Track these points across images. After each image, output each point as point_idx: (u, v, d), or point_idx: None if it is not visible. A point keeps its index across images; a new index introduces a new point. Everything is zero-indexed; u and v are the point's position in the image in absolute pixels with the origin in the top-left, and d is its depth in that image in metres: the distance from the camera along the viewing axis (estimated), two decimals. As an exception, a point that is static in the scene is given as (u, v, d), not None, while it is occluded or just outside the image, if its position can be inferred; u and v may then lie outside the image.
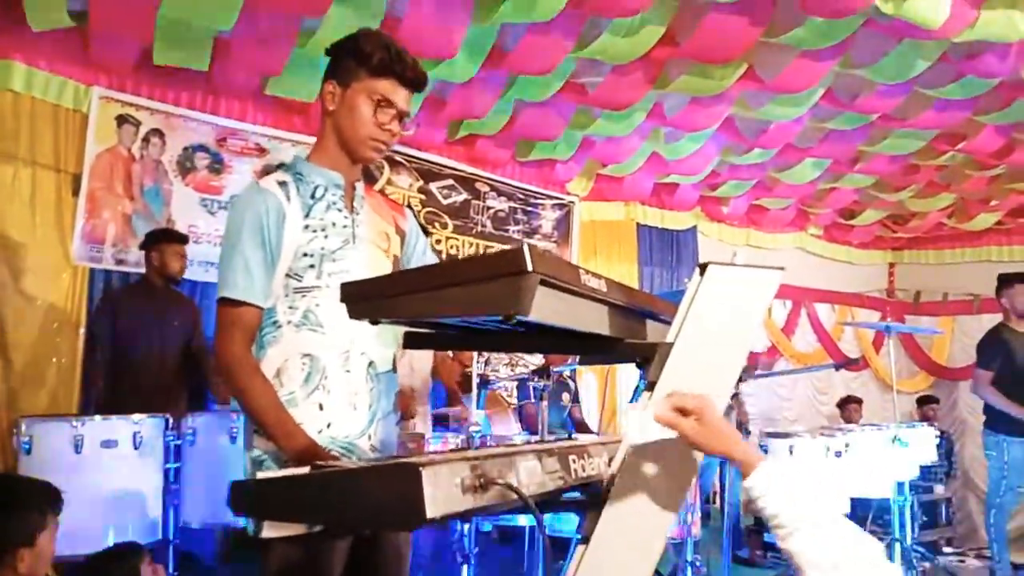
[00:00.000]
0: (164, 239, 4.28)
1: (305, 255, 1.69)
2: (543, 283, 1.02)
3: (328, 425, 1.68)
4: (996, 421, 4.89)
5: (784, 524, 1.19)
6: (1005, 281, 5.03)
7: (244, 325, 1.66)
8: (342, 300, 1.12)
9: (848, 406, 7.51)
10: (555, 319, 1.09)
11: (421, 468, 0.95)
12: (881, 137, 5.96)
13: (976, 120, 5.56)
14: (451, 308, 1.03)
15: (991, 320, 5.35)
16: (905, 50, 4.47)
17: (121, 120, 4.66)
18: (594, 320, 1.22)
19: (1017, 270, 5.38)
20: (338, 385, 1.69)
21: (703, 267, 1.32)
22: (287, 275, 1.69)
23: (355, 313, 1.11)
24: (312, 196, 1.74)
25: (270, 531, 1.58)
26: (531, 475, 1.18)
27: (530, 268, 0.97)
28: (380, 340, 1.76)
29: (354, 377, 1.72)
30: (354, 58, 1.72)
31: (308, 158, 1.81)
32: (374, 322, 1.13)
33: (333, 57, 1.78)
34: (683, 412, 1.24)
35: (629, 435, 1.25)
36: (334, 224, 1.74)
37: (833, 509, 1.22)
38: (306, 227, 1.70)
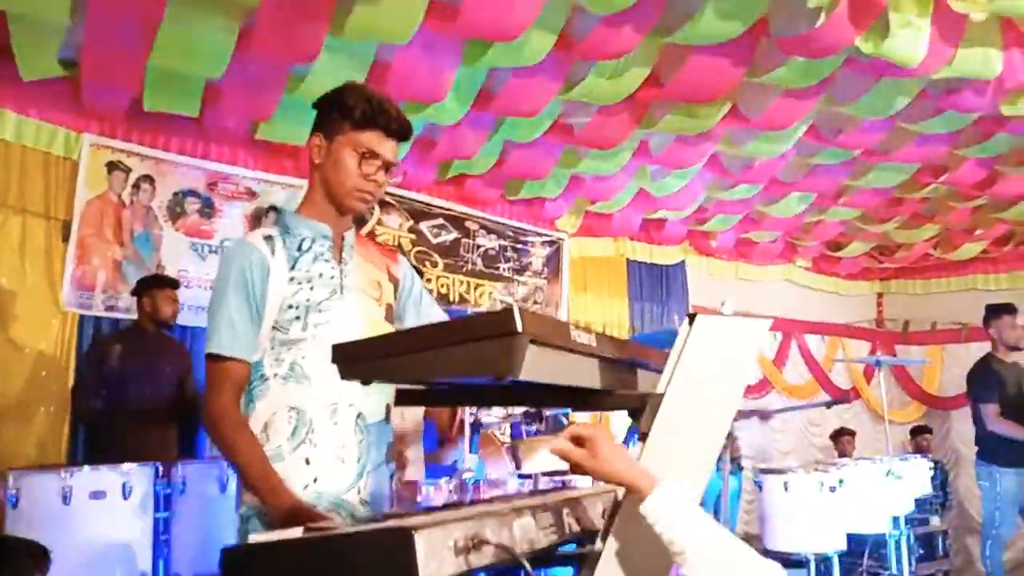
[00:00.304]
0: (155, 284, 4.28)
1: (290, 307, 1.70)
2: (533, 342, 1.03)
3: (315, 480, 1.67)
4: (987, 451, 4.89)
5: (682, 550, 1.19)
6: (992, 312, 5.07)
7: (231, 380, 1.68)
8: (333, 361, 1.12)
9: (841, 438, 7.50)
10: (546, 377, 1.10)
11: (414, 532, 0.95)
12: (865, 171, 6.04)
13: (957, 153, 5.65)
14: (441, 370, 1.04)
15: (980, 348, 5.38)
16: (885, 87, 4.56)
17: (111, 167, 4.68)
18: (585, 375, 1.23)
19: (1003, 298, 5.44)
20: (325, 438, 1.69)
21: (692, 317, 1.34)
22: (273, 327, 1.70)
23: (346, 374, 1.12)
24: (299, 248, 1.76)
25: None
26: (525, 532, 1.18)
27: (520, 329, 0.98)
28: (369, 391, 1.75)
29: (342, 430, 1.71)
30: (338, 111, 1.76)
31: (297, 210, 1.84)
32: (365, 383, 1.14)
33: (319, 111, 1.82)
34: (578, 442, 1.26)
35: (524, 466, 1.29)
36: (321, 275, 1.75)
37: (729, 534, 1.23)
38: (291, 279, 1.72)
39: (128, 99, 4.53)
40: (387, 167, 1.79)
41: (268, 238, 1.75)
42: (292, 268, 1.73)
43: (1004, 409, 4.80)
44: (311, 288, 1.73)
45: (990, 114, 4.86)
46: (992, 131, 5.26)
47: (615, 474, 1.24)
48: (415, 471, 3.18)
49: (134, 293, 4.29)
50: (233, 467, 1.66)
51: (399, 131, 1.79)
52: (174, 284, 4.35)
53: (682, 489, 1.23)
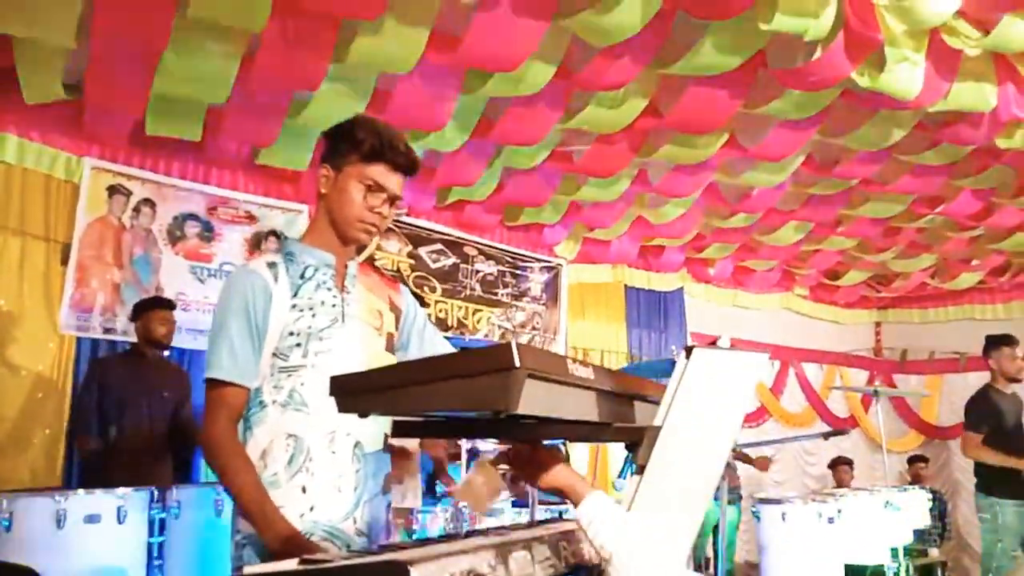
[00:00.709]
0: (149, 306, 4.26)
1: (291, 334, 1.71)
2: (531, 376, 1.04)
3: (311, 508, 1.66)
4: (988, 483, 4.86)
5: (609, 555, 1.24)
6: (992, 343, 5.04)
7: (229, 405, 1.68)
8: (331, 394, 1.13)
9: (839, 467, 7.46)
10: (543, 410, 1.10)
11: (410, 566, 0.95)
12: (862, 201, 6.09)
13: (953, 184, 5.69)
14: (438, 403, 1.04)
15: (978, 378, 5.37)
16: (881, 120, 4.61)
17: (112, 190, 4.70)
18: (582, 408, 1.23)
19: (1000, 328, 5.43)
20: (322, 467, 1.68)
21: (689, 350, 1.34)
22: (273, 354, 1.70)
23: (344, 407, 1.12)
24: (302, 276, 1.77)
25: None
26: (522, 567, 1.18)
27: (518, 364, 0.99)
28: (368, 420, 1.75)
29: (339, 459, 1.70)
30: (347, 143, 1.78)
31: (302, 238, 1.85)
32: (363, 415, 1.14)
33: (328, 141, 1.83)
34: (519, 455, 1.36)
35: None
36: (323, 303, 1.76)
37: (662, 548, 1.29)
38: (293, 306, 1.73)
39: (130, 123, 4.57)
40: (392, 200, 1.81)
41: (271, 265, 1.76)
42: (295, 295, 1.74)
43: (999, 440, 4.79)
44: (313, 316, 1.74)
45: (985, 146, 4.90)
46: (987, 163, 5.30)
47: (554, 480, 1.32)
48: (412, 498, 3.17)
49: (132, 318, 4.28)
50: (229, 494, 1.66)
51: (406, 166, 1.80)
52: (169, 305, 4.33)
53: (610, 501, 1.28)
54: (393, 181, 1.79)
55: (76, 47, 3.65)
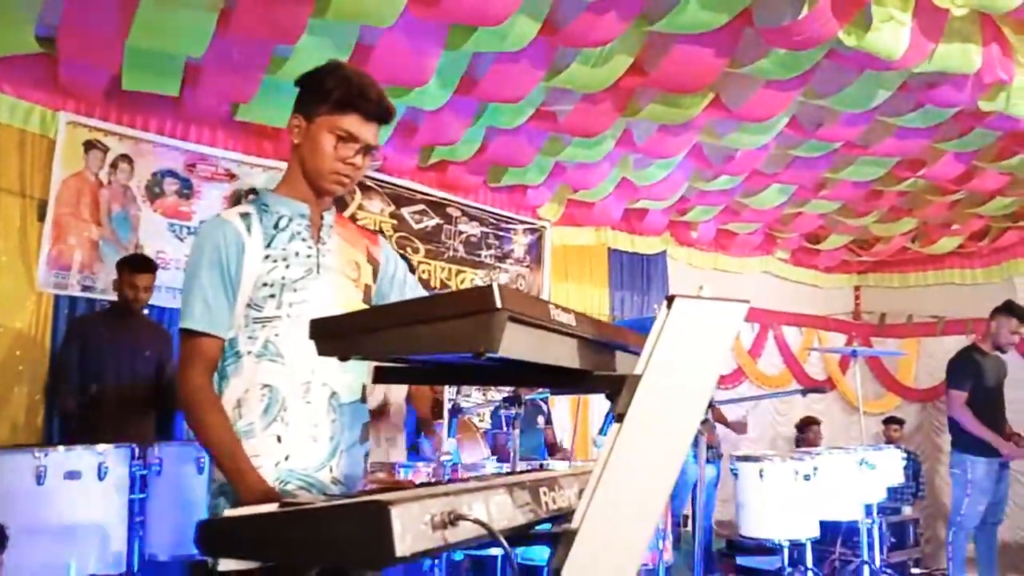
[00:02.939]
0: (125, 267, 4.12)
1: (265, 285, 1.70)
2: (512, 319, 1.03)
3: (286, 457, 1.67)
4: (962, 441, 4.96)
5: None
6: (1006, 309, 4.94)
7: (204, 356, 1.68)
8: (311, 337, 1.12)
9: (808, 428, 7.55)
10: (525, 354, 1.10)
11: (391, 506, 0.95)
12: (845, 164, 6.09)
13: (936, 148, 5.71)
14: (420, 345, 1.04)
15: (955, 341, 5.46)
16: (866, 80, 4.60)
17: (89, 145, 4.62)
18: (564, 354, 1.23)
19: (979, 292, 5.47)
20: (297, 417, 1.69)
21: (670, 300, 1.34)
22: (247, 305, 1.70)
23: (324, 350, 1.12)
24: (275, 226, 1.75)
25: (228, 564, 1.56)
26: (502, 509, 1.19)
27: (499, 305, 0.99)
28: (344, 370, 1.74)
29: (315, 409, 1.71)
30: (318, 92, 1.74)
31: (276, 188, 1.83)
32: (343, 359, 1.14)
33: (300, 90, 1.80)
34: None
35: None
36: (297, 254, 1.75)
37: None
38: (266, 257, 1.71)
39: (106, 77, 4.47)
40: (367, 150, 1.77)
41: (244, 215, 1.74)
42: (268, 246, 1.72)
43: (979, 400, 4.87)
44: (287, 266, 1.72)
45: (968, 109, 4.91)
46: (970, 126, 5.32)
47: None
48: (397, 453, 3.19)
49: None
50: (203, 445, 1.67)
51: (379, 115, 1.76)
52: (146, 267, 4.16)
53: None
54: (366, 131, 1.75)
55: (48, -3, 3.56)
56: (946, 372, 5.11)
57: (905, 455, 4.92)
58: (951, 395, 4.96)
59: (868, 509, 4.41)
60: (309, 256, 1.76)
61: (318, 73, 1.76)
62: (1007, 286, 8.04)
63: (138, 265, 4.17)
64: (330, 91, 1.72)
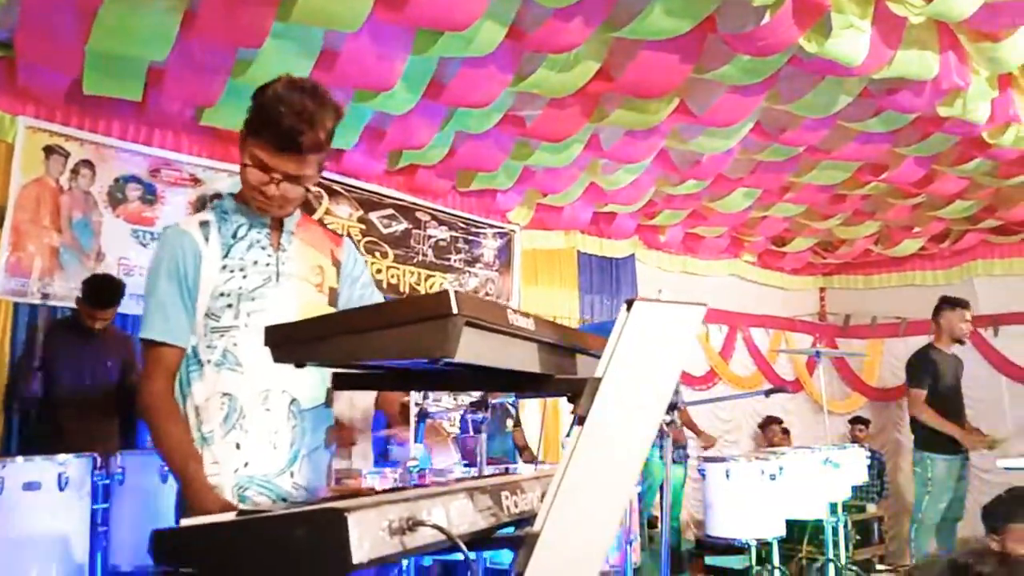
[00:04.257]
0: (86, 298, 4.03)
1: (222, 295, 1.70)
2: (469, 324, 1.04)
3: (245, 464, 1.68)
4: (924, 439, 5.05)
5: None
6: (947, 303, 5.13)
7: (164, 365, 1.69)
8: (266, 344, 1.12)
9: (769, 427, 7.67)
10: (483, 359, 1.11)
11: (347, 513, 0.95)
12: (808, 168, 6.18)
13: (896, 152, 5.82)
14: (376, 352, 1.03)
15: (917, 342, 5.55)
16: (828, 86, 4.67)
17: (49, 151, 4.54)
18: (523, 358, 1.24)
19: (941, 293, 5.59)
20: (256, 424, 1.69)
21: (629, 303, 1.36)
22: (206, 315, 1.70)
23: (279, 357, 1.11)
24: (234, 236, 1.75)
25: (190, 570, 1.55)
26: (462, 514, 1.19)
27: (455, 311, 0.99)
28: (306, 377, 1.74)
29: (274, 416, 1.71)
30: (248, 113, 1.69)
31: (237, 195, 1.81)
32: (299, 365, 1.13)
33: None
34: None
35: None
36: (255, 263, 1.74)
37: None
38: (224, 267, 1.71)
39: (67, 81, 4.39)
40: (289, 178, 1.68)
41: (204, 224, 1.74)
42: (225, 256, 1.72)
43: (938, 398, 4.97)
44: (244, 276, 1.72)
45: (927, 114, 5.01)
46: (929, 131, 5.42)
47: None
48: (360, 459, 3.16)
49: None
50: (159, 453, 1.68)
51: (289, 147, 1.63)
52: (109, 302, 4.05)
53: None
54: (279, 161, 1.65)
55: (6, 1, 3.49)
56: (905, 372, 5.20)
57: (869, 454, 5.01)
58: (911, 394, 5.06)
59: (833, 507, 4.48)
60: (268, 264, 1.75)
61: (257, 91, 1.69)
62: (967, 287, 8.22)
63: (100, 300, 4.05)
64: (251, 115, 1.66)
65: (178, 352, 1.69)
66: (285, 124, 1.61)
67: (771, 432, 7.59)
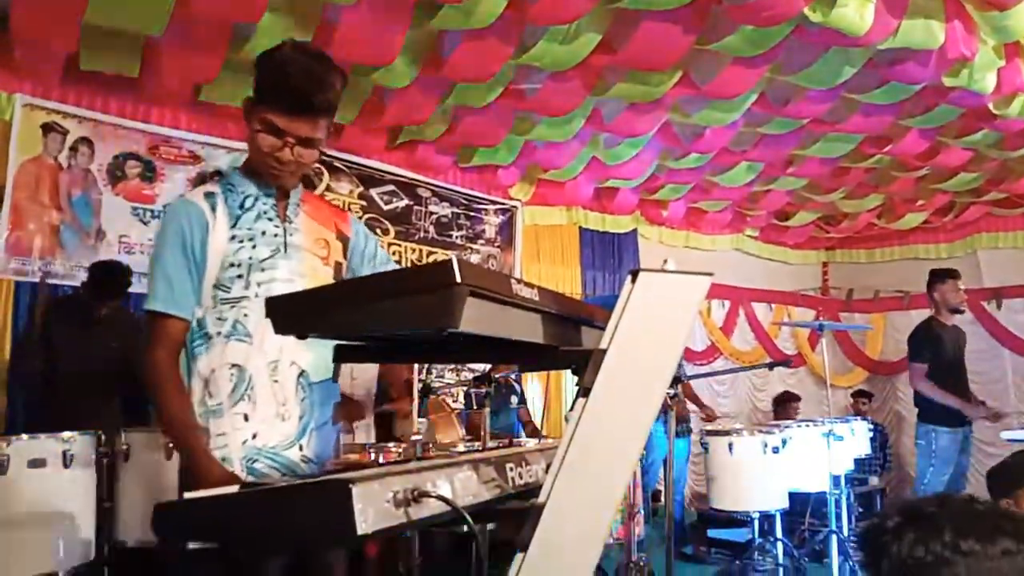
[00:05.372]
0: (92, 286, 4.02)
1: (232, 265, 1.68)
2: (473, 294, 1.02)
3: (254, 436, 1.68)
4: (927, 412, 5.05)
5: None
6: (937, 276, 5.18)
7: (168, 336, 1.67)
8: (267, 316, 1.10)
9: (787, 405, 7.53)
10: (487, 330, 1.09)
11: (352, 485, 0.94)
12: (812, 141, 6.13)
13: (901, 124, 5.76)
14: (379, 322, 1.02)
15: (921, 315, 5.53)
16: (833, 57, 4.61)
17: (47, 128, 4.51)
18: (527, 329, 1.22)
19: (945, 266, 5.58)
20: (265, 395, 1.69)
21: (634, 274, 1.34)
22: (214, 286, 1.69)
23: (281, 328, 1.10)
24: (241, 206, 1.73)
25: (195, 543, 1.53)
26: (466, 485, 1.18)
27: (459, 280, 0.97)
28: (314, 350, 1.74)
29: (283, 387, 1.70)
30: (255, 79, 1.68)
31: (241, 168, 1.80)
32: (301, 336, 1.12)
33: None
34: None
35: None
36: (264, 233, 1.73)
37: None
38: (232, 237, 1.70)
39: (63, 58, 4.35)
40: (303, 142, 1.68)
41: (209, 195, 1.73)
42: (233, 226, 1.70)
43: (940, 371, 4.96)
44: (253, 246, 1.71)
45: (932, 85, 4.95)
46: (935, 102, 5.37)
47: None
48: (364, 434, 3.18)
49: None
50: (161, 423, 1.71)
51: (303, 108, 1.64)
52: (115, 294, 4.04)
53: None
54: (294, 125, 1.65)
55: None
56: (907, 346, 5.20)
57: (872, 427, 5.01)
58: (912, 368, 5.05)
59: (836, 480, 4.49)
60: (276, 235, 1.74)
61: (263, 54, 1.69)
62: (971, 260, 8.19)
63: (106, 291, 4.04)
64: (258, 81, 1.66)
65: (183, 324, 1.68)
66: (297, 86, 1.62)
67: (790, 409, 7.37)
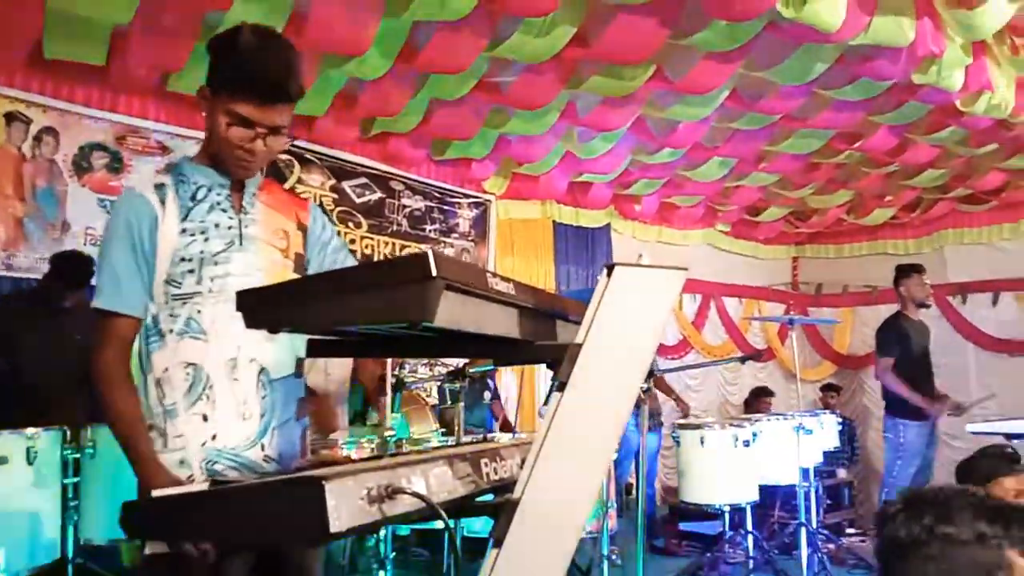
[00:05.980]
0: (54, 278, 3.93)
1: (183, 260, 1.62)
2: (449, 288, 1.01)
3: (213, 437, 1.62)
4: (895, 406, 5.13)
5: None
6: (902, 272, 5.29)
7: (117, 335, 1.62)
8: (238, 309, 1.08)
9: (759, 399, 7.56)
10: (462, 324, 1.08)
11: (324, 482, 0.92)
12: (783, 137, 6.18)
13: (871, 120, 5.83)
14: (353, 316, 1.00)
15: (888, 310, 5.62)
16: (804, 53, 4.65)
17: (10, 117, 4.40)
18: (503, 323, 1.22)
19: (911, 262, 5.68)
20: (224, 395, 1.63)
21: (610, 268, 1.34)
22: (165, 282, 1.62)
23: (253, 323, 1.08)
24: (192, 198, 1.67)
25: (156, 547, 1.37)
26: (441, 482, 1.17)
27: (435, 273, 0.96)
28: (274, 345, 1.68)
29: (243, 386, 1.65)
30: (215, 67, 1.62)
31: (195, 157, 1.73)
32: (272, 331, 1.10)
33: (209, 55, 1.66)
34: None
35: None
36: (217, 226, 1.66)
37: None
38: (183, 231, 1.63)
39: (27, 45, 4.24)
40: (272, 131, 1.63)
41: (160, 187, 1.65)
42: (184, 218, 1.64)
43: (907, 365, 5.04)
44: (205, 240, 1.64)
45: (902, 82, 5.01)
46: (904, 99, 5.43)
47: None
48: (339, 432, 3.15)
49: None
50: (108, 425, 1.62)
51: (275, 98, 1.58)
52: (80, 283, 3.93)
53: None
54: (263, 114, 1.59)
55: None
56: (875, 339, 5.28)
57: (840, 420, 5.07)
58: (879, 362, 5.14)
59: (805, 473, 4.55)
60: (230, 227, 1.68)
61: (219, 40, 1.62)
62: (938, 256, 8.33)
63: (69, 280, 3.93)
64: (216, 67, 1.60)
65: (132, 322, 1.62)
66: (269, 76, 1.57)
67: (761, 404, 7.41)
